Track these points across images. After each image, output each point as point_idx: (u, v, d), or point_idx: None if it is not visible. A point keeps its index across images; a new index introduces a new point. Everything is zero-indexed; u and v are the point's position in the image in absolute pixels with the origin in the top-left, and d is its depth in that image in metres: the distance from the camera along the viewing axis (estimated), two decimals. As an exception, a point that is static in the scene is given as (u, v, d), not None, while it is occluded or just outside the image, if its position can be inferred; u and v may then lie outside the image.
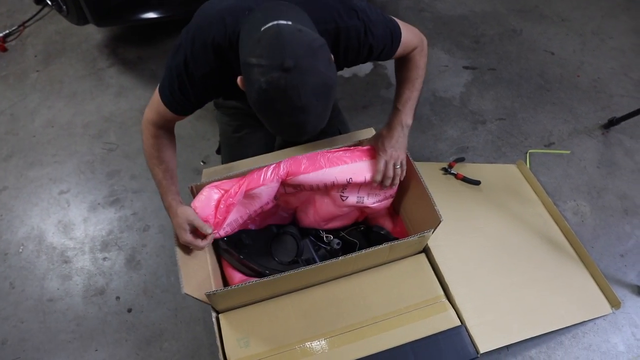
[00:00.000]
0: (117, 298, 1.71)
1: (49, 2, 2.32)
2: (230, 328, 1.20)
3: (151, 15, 2.11)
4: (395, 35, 1.13)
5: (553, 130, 2.16)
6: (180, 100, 1.09)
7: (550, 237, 1.65)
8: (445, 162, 1.79)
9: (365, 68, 2.45)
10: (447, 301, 1.26)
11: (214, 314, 1.19)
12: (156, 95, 1.12)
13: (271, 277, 1.10)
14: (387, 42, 1.12)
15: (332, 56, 0.90)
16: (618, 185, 1.97)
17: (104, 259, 1.81)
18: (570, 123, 2.19)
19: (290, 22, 0.86)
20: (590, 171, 2.02)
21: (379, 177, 1.24)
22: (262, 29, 0.85)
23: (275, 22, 0.85)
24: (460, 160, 1.83)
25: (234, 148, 1.54)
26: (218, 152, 1.67)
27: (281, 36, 0.82)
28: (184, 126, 2.17)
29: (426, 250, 1.34)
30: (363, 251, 1.14)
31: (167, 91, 1.09)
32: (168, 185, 1.17)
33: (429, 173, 1.76)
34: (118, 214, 1.93)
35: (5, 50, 2.65)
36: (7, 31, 2.73)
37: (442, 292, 1.27)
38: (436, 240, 1.32)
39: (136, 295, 1.70)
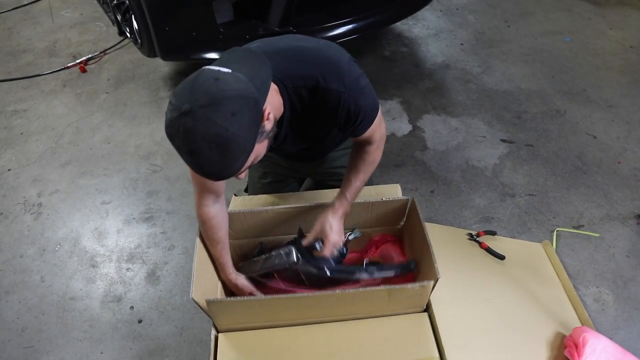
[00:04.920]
0: (131, 308, 1.80)
1: (129, 35, 2.62)
2: (225, 349, 1.23)
3: (213, 55, 2.29)
4: (374, 110, 1.18)
5: (584, 213, 2.12)
6: None
7: (564, 322, 1.58)
8: (471, 230, 1.79)
9: (404, 129, 2.54)
10: (439, 364, 1.25)
11: (213, 332, 1.25)
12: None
13: (269, 297, 1.16)
14: (366, 114, 1.16)
15: (258, 112, 0.91)
16: (649, 279, 1.88)
17: (128, 269, 1.93)
18: (604, 208, 2.14)
19: (228, 70, 0.89)
20: (619, 259, 1.95)
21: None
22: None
23: (209, 67, 0.91)
24: (491, 233, 1.80)
25: (258, 193, 1.60)
26: (246, 190, 1.77)
27: (196, 81, 0.87)
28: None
29: (429, 311, 1.34)
30: (361, 289, 1.17)
31: None
32: (225, 261, 1.34)
33: (454, 237, 1.77)
34: (149, 231, 2.07)
35: (84, 71, 2.99)
36: (90, 55, 3.09)
37: (437, 355, 1.25)
38: (442, 303, 1.31)
39: (149, 308, 1.79)
